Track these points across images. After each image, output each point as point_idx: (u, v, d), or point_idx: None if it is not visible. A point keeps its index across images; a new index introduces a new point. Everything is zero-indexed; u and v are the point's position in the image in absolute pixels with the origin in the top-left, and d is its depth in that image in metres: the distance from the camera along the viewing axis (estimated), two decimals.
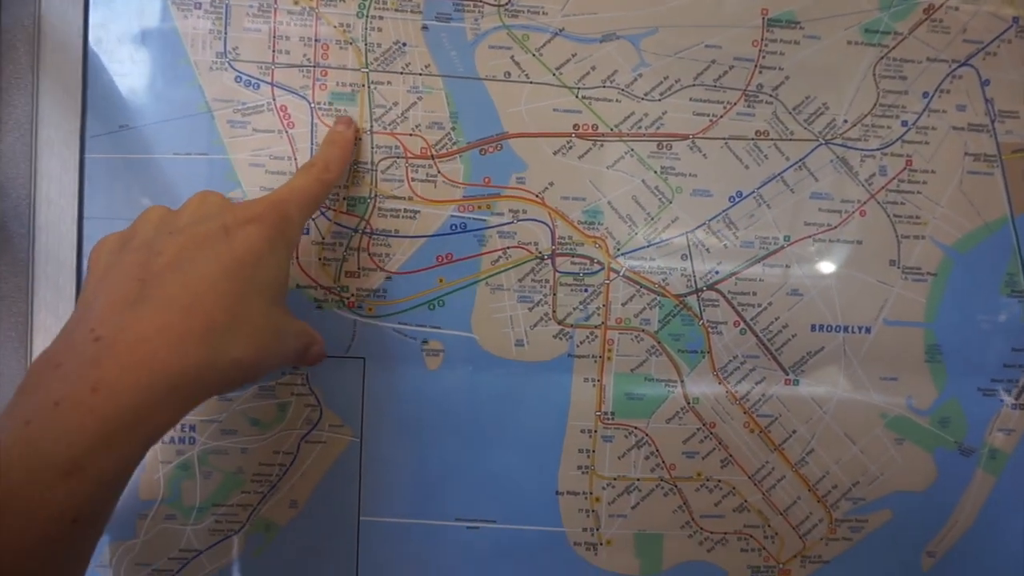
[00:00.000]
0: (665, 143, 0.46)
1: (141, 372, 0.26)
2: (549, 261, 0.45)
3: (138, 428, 0.26)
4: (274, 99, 0.43)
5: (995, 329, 0.50)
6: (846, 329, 0.48)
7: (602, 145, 0.46)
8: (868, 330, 0.48)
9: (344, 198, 0.44)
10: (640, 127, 0.46)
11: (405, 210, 0.44)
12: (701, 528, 0.48)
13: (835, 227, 0.48)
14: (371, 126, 0.44)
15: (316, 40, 0.43)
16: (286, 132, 0.43)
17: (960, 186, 0.49)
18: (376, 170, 0.44)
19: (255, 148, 0.43)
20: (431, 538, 0.46)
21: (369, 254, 0.44)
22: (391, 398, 0.45)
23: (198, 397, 0.28)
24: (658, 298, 0.46)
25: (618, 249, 0.46)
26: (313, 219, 0.43)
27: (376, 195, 0.44)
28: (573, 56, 0.45)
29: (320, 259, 0.44)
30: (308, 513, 0.45)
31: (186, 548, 0.44)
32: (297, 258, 0.43)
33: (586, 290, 0.46)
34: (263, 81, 0.43)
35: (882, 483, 0.49)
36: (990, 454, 0.50)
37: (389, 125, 0.44)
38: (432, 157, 0.44)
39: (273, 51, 0.43)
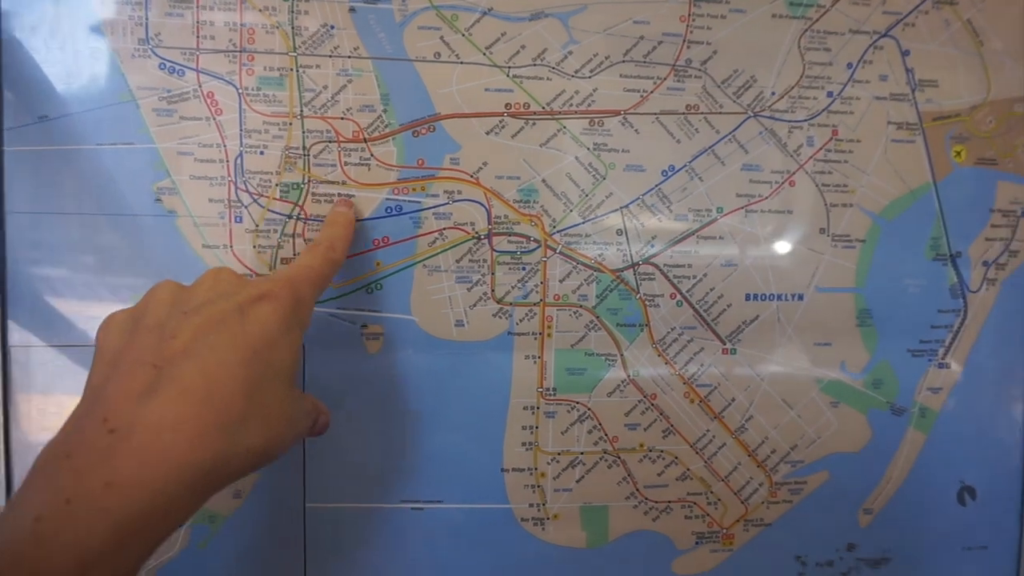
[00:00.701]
0: (597, 120, 0.49)
1: (157, 468, 0.26)
2: (486, 241, 0.48)
3: (152, 527, 0.26)
4: (200, 86, 0.44)
5: (922, 292, 0.54)
6: (780, 297, 0.52)
7: (535, 123, 0.48)
8: (801, 297, 0.52)
9: (276, 184, 0.46)
10: (572, 104, 0.49)
11: (339, 194, 0.47)
12: (646, 498, 0.51)
13: (766, 198, 0.51)
14: (301, 111, 0.46)
15: (241, 24, 0.45)
16: (214, 119, 0.45)
17: (885, 154, 0.53)
18: (308, 155, 0.46)
19: (183, 136, 0.45)
20: (378, 522, 0.48)
21: (305, 240, 0.46)
22: (332, 383, 0.47)
23: (213, 490, 0.28)
24: (595, 274, 0.50)
25: (554, 226, 0.49)
26: (246, 206, 0.46)
27: (309, 180, 0.46)
28: (503, 35, 0.48)
29: (255, 247, 0.46)
30: (253, 502, 0.47)
31: None
32: (231, 246, 0.46)
33: (524, 268, 0.49)
34: (188, 68, 0.44)
35: (819, 446, 0.54)
36: (920, 413, 0.55)
37: (320, 109, 0.46)
38: (364, 140, 0.47)
39: (197, 36, 0.44)
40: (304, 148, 0.45)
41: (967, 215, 0.53)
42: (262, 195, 0.45)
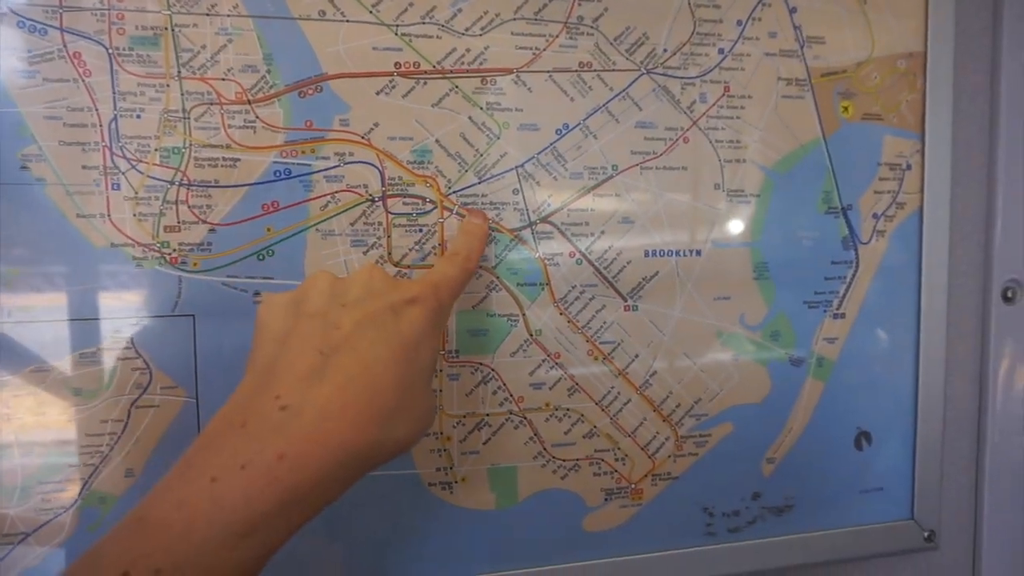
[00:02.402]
0: (489, 78, 0.50)
1: (323, 447, 0.30)
2: (380, 203, 0.49)
3: (311, 500, 0.30)
4: (65, 46, 0.44)
5: (815, 245, 0.58)
6: (678, 253, 0.55)
7: (426, 83, 0.49)
8: (699, 253, 0.55)
9: (156, 149, 0.45)
10: (463, 63, 0.50)
11: (224, 159, 0.46)
12: (553, 457, 0.53)
13: (660, 155, 0.54)
14: (179, 71, 0.45)
15: None
16: (83, 81, 0.44)
17: (776, 110, 0.56)
18: (189, 118, 0.46)
19: (49, 100, 0.44)
20: None
21: (189, 207, 0.46)
22: (226, 354, 0.47)
23: (361, 474, 0.32)
24: (493, 233, 0.51)
25: (449, 187, 0.50)
26: (123, 173, 0.45)
27: (191, 144, 0.46)
28: None
29: (135, 215, 0.45)
30: (146, 481, 0.47)
31: (10, 532, 0.45)
32: (108, 215, 0.45)
33: (421, 230, 0.50)
34: (50, 26, 0.44)
35: (722, 398, 0.56)
36: (817, 362, 0.59)
37: (199, 70, 0.46)
38: (248, 102, 0.47)
39: None
40: (184, 111, 0.45)
41: (856, 169, 0.57)
42: (140, 160, 0.44)
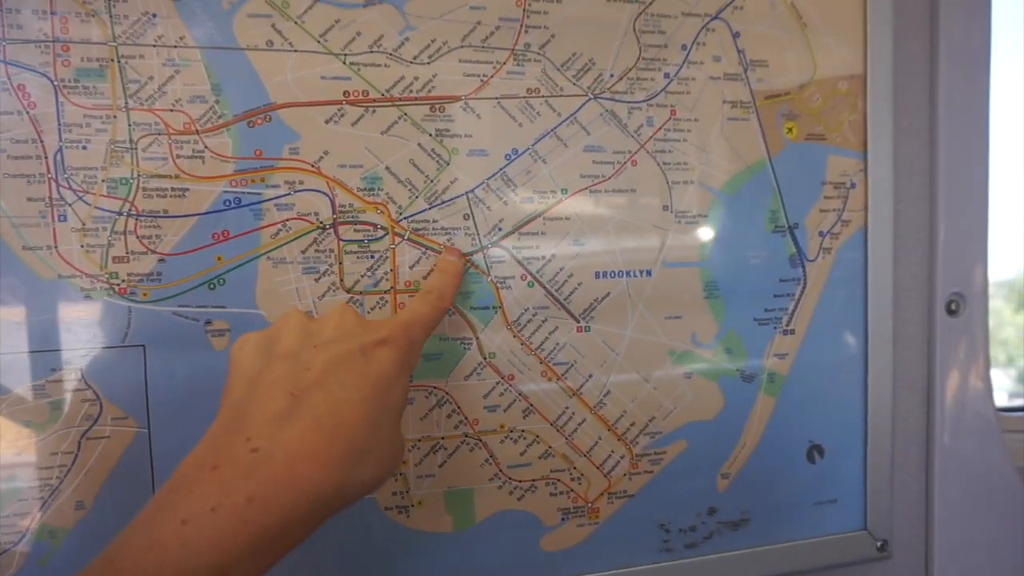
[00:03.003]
0: (438, 105, 0.51)
1: (292, 490, 0.31)
2: (331, 230, 0.50)
3: (281, 542, 0.31)
4: (9, 78, 0.44)
5: (763, 263, 0.59)
6: (628, 274, 0.56)
7: (375, 111, 0.50)
8: (649, 273, 0.56)
9: (103, 180, 0.46)
10: (411, 91, 0.51)
11: (173, 189, 0.47)
12: (510, 478, 0.54)
13: (609, 178, 0.55)
14: (126, 102, 0.46)
15: (52, 12, 0.44)
16: (27, 113, 0.44)
17: (722, 132, 0.58)
18: (136, 149, 0.46)
19: None
20: None
21: (137, 237, 0.46)
22: (177, 384, 0.47)
23: (329, 514, 0.33)
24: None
25: (400, 213, 0.51)
26: (70, 204, 0.45)
27: (139, 175, 0.46)
28: (337, 22, 0.49)
29: (83, 246, 0.45)
30: (97, 513, 0.46)
31: None
32: (55, 246, 0.45)
33: (372, 256, 0.51)
34: None
35: (676, 416, 0.58)
36: (769, 378, 0.60)
37: (146, 101, 0.46)
38: (197, 132, 0.47)
39: (3, 26, 0.44)
40: (131, 141, 0.45)
41: (801, 188, 0.59)
42: (88, 192, 0.45)
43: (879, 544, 0.61)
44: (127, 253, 0.45)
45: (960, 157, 0.64)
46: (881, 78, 0.59)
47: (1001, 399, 0.93)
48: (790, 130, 0.57)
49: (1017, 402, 1.24)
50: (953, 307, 0.64)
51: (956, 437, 0.65)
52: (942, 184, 0.64)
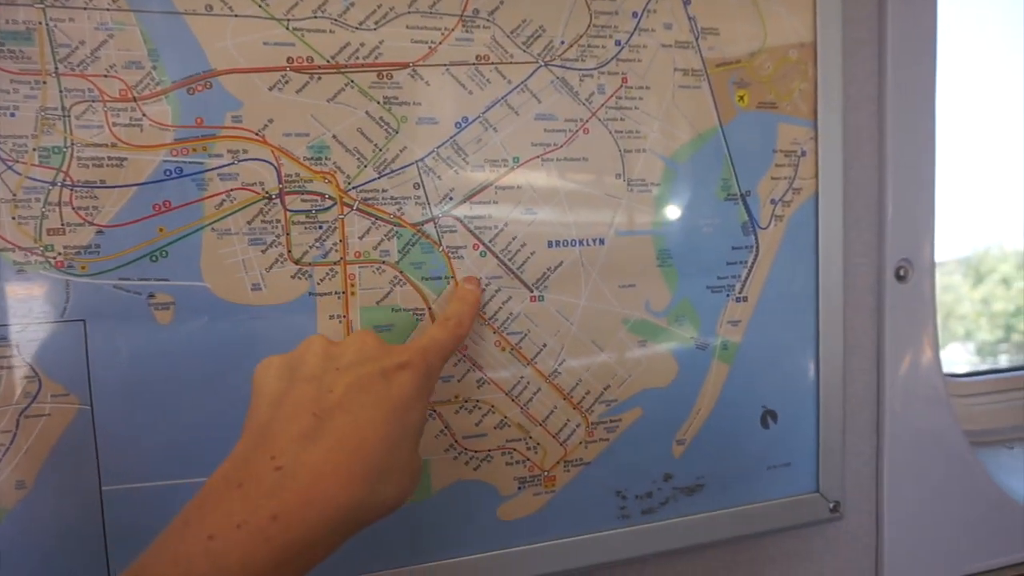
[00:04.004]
0: (385, 72, 0.49)
1: (314, 508, 0.31)
2: (277, 200, 0.48)
3: (304, 559, 0.31)
4: None
5: (716, 231, 0.59)
6: (582, 243, 0.55)
7: (320, 78, 0.48)
8: (602, 242, 0.55)
9: (34, 149, 0.43)
10: (358, 57, 0.49)
11: (109, 158, 0.45)
12: (465, 448, 0.53)
13: (561, 146, 0.54)
14: (56, 68, 0.43)
15: None
16: None
17: (673, 100, 0.57)
18: (69, 116, 0.44)
19: None
20: (188, 497, 0.47)
21: (73, 208, 0.44)
22: (120, 358, 0.45)
23: (350, 533, 0.33)
24: (395, 228, 0.50)
25: (349, 183, 0.49)
26: None
27: (73, 144, 0.44)
28: None
29: (15, 218, 0.43)
30: (39, 492, 0.44)
31: None
32: None
33: (321, 227, 0.49)
34: None
35: (630, 383, 0.57)
36: (722, 345, 0.60)
37: (78, 66, 0.44)
38: (134, 99, 0.45)
39: None
40: (63, 109, 0.43)
41: (753, 156, 0.58)
42: (17, 161, 0.42)
43: (831, 505, 0.61)
44: (63, 225, 0.42)
45: (909, 125, 0.64)
46: (830, 46, 0.59)
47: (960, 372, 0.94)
48: (741, 98, 0.56)
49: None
50: (902, 273, 0.64)
51: (905, 400, 0.65)
52: (891, 152, 0.63)
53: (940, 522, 0.66)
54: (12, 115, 0.41)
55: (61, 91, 0.42)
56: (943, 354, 0.66)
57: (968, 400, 0.88)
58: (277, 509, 0.30)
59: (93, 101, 0.42)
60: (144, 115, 0.43)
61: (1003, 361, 1.22)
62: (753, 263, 0.57)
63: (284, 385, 0.36)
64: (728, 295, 0.57)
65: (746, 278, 0.57)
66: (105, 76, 0.43)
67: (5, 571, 0.43)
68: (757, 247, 0.57)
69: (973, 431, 0.85)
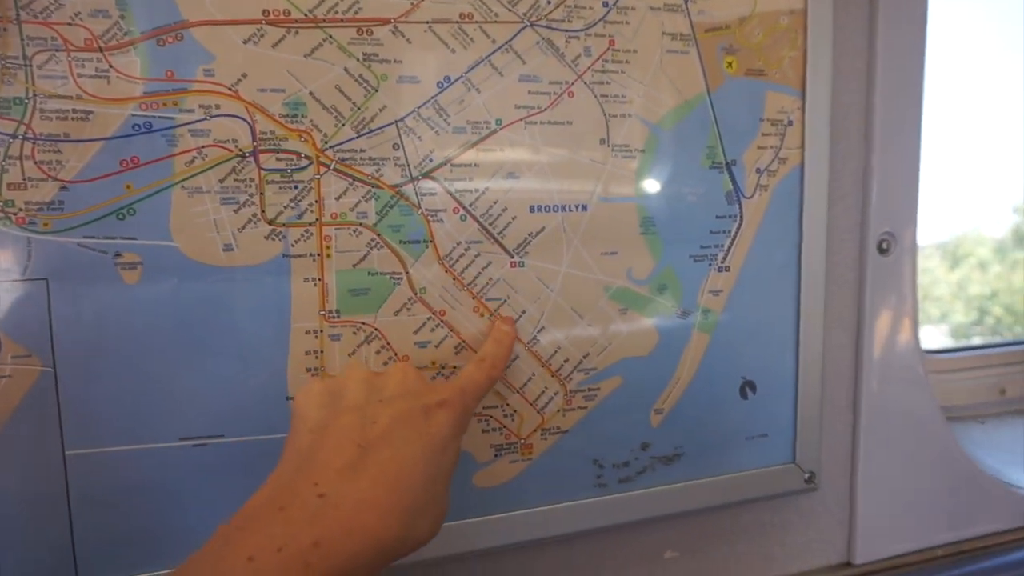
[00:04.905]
0: (365, 28, 0.47)
1: (354, 538, 0.30)
2: (251, 159, 0.45)
3: None
4: None
5: (700, 199, 0.56)
6: (564, 208, 0.53)
7: (297, 32, 0.45)
8: (585, 208, 0.53)
9: None
10: (337, 12, 0.46)
11: (74, 111, 0.42)
12: None
13: (545, 109, 0.51)
14: (17, 15, 0.40)
15: None
16: None
17: (660, 65, 0.54)
18: (31, 66, 0.41)
19: None
20: (154, 462, 0.45)
21: (36, 162, 0.41)
22: (85, 319, 0.43)
23: (382, 567, 0.32)
24: (373, 190, 0.48)
25: (326, 142, 0.47)
26: None
27: (35, 95, 0.41)
28: None
29: None
30: (1, 455, 0.43)
31: None
32: None
33: (296, 187, 0.46)
34: None
35: (610, 352, 0.55)
36: (703, 315, 0.58)
37: (40, 13, 0.40)
38: (100, 50, 0.42)
39: None
40: (25, 57, 0.40)
41: (740, 124, 0.56)
42: None
43: (807, 476, 0.60)
44: (24, 180, 0.40)
45: (896, 98, 0.62)
46: (821, 15, 0.57)
47: None
48: (730, 64, 0.54)
49: None
50: (884, 246, 0.62)
51: (883, 374, 0.64)
52: (878, 124, 0.61)
53: (913, 495, 0.66)
54: None
55: (23, 39, 0.39)
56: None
57: (943, 376, 0.87)
58: (319, 536, 0.30)
59: (56, 51, 0.40)
60: (111, 66, 0.41)
61: (976, 342, 1.22)
62: (736, 233, 0.56)
63: (326, 412, 0.36)
64: (710, 264, 0.55)
65: (729, 248, 0.56)
66: (70, 24, 0.40)
67: None
68: (741, 217, 0.56)
69: (947, 406, 0.84)
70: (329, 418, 0.36)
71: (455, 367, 0.49)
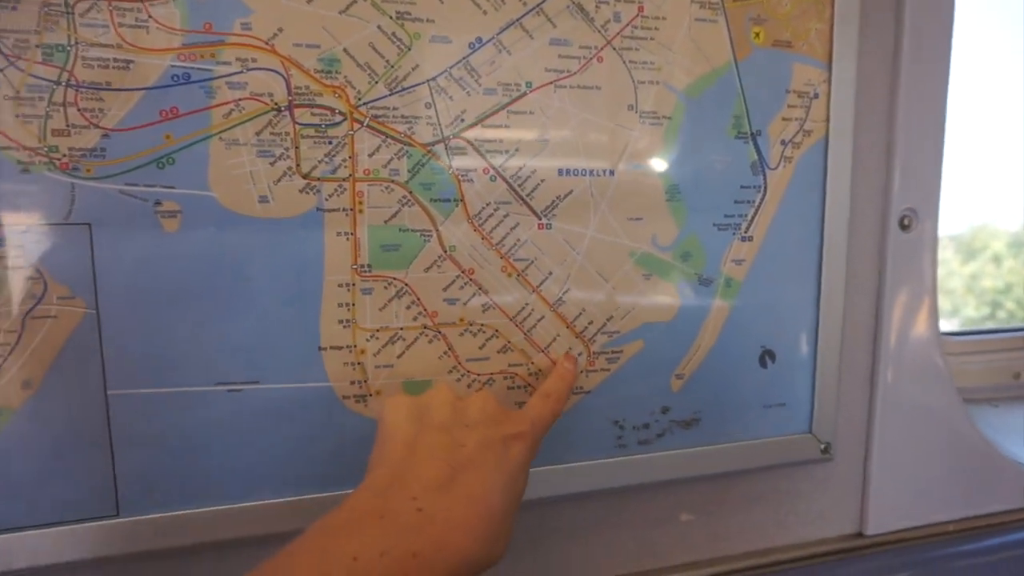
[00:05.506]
0: None
1: (447, 553, 0.32)
2: (287, 113, 0.45)
3: None
4: None
5: (725, 168, 0.55)
6: (591, 173, 0.52)
7: None
8: (612, 173, 0.52)
9: (37, 46, 0.40)
10: None
11: (115, 60, 0.41)
12: (468, 371, 0.51)
13: (574, 73, 0.50)
14: None
15: None
16: None
17: (689, 32, 0.53)
18: (73, 14, 0.41)
19: None
20: (192, 406, 0.45)
21: (78, 109, 0.41)
22: (126, 264, 0.43)
23: None
24: (405, 148, 0.47)
25: (359, 99, 0.46)
26: (1, 70, 0.40)
27: (77, 43, 0.41)
28: None
29: (18, 116, 0.40)
30: (46, 393, 0.42)
31: None
32: None
33: (330, 142, 0.46)
34: None
35: (633, 316, 0.54)
36: (726, 283, 0.57)
37: None
38: (140, 0, 0.42)
39: None
40: (67, 5, 0.39)
41: (766, 95, 0.55)
42: (20, 57, 0.39)
43: (822, 446, 0.59)
44: (67, 126, 0.40)
45: (923, 74, 0.60)
46: None
47: None
48: (757, 35, 0.53)
49: None
50: (906, 222, 0.61)
51: (901, 349, 0.62)
52: (902, 102, 0.60)
53: (926, 469, 0.65)
54: (14, 8, 0.38)
55: None
56: None
57: (957, 359, 0.85)
58: (418, 547, 0.31)
59: None
60: (151, 16, 0.40)
61: None
62: (760, 203, 0.55)
63: (416, 428, 0.38)
64: (734, 233, 0.54)
65: (752, 217, 0.54)
66: None
67: (12, 470, 0.41)
68: (765, 187, 0.55)
69: (961, 388, 0.82)
70: (419, 434, 0.37)
71: (482, 324, 0.48)
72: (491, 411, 0.40)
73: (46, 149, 0.39)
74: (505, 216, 0.48)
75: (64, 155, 0.40)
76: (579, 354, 0.51)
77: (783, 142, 0.55)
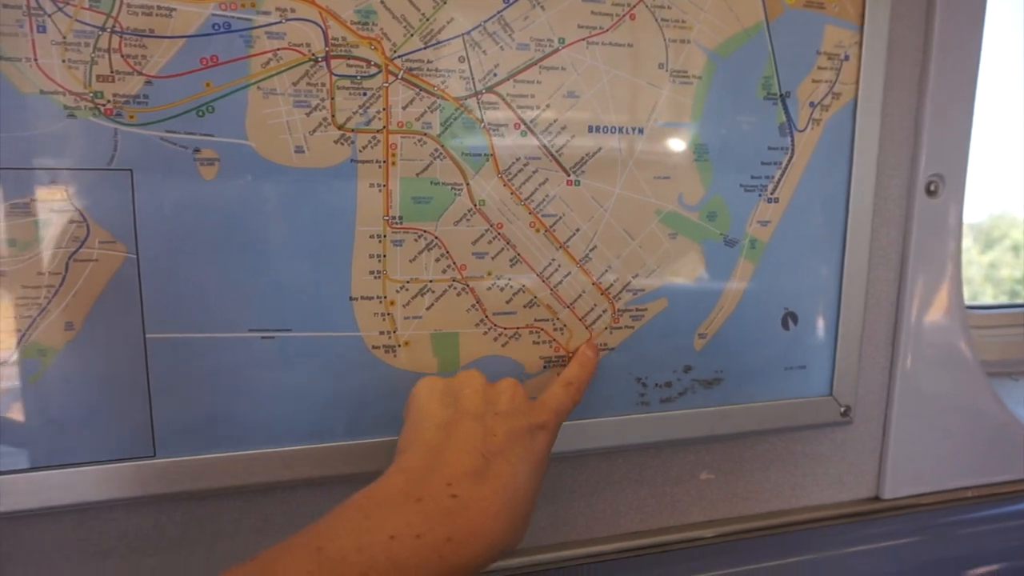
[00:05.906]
0: None
1: (479, 540, 0.32)
2: (324, 64, 0.45)
3: None
4: None
5: (753, 129, 0.55)
6: (621, 130, 0.51)
7: None
8: (641, 131, 0.52)
9: None
10: None
11: (159, 7, 0.41)
12: (495, 325, 0.51)
13: (607, 30, 0.50)
14: None
15: None
16: None
17: None
18: None
19: None
20: (225, 351, 0.46)
21: (122, 56, 0.41)
22: (166, 211, 0.43)
23: (487, 568, 0.33)
24: (438, 101, 0.47)
25: (395, 51, 0.46)
26: (49, 15, 0.40)
27: None
28: None
29: (64, 61, 0.40)
30: (87, 335, 0.43)
31: None
32: (35, 59, 0.40)
33: (365, 94, 0.46)
34: None
35: (658, 274, 0.54)
36: (750, 244, 0.56)
37: None
38: None
39: None
40: None
41: (796, 56, 0.54)
42: (68, 3, 0.39)
43: (842, 410, 0.59)
44: (112, 72, 0.40)
45: (955, 42, 0.59)
46: None
47: None
48: None
49: None
50: (932, 188, 0.60)
51: (923, 316, 0.62)
52: (933, 68, 0.59)
53: (945, 436, 0.64)
54: None
55: None
56: None
57: (978, 332, 0.84)
58: (452, 532, 0.32)
59: None
60: None
61: None
62: (787, 165, 0.54)
63: (450, 413, 0.38)
64: (760, 195, 0.54)
65: (779, 179, 0.54)
66: None
67: (54, 410, 0.42)
68: (792, 149, 0.54)
69: (983, 362, 0.81)
70: (453, 419, 0.38)
71: (510, 278, 0.48)
72: (519, 401, 0.41)
73: (91, 95, 0.40)
74: (534, 172, 0.48)
75: (108, 101, 0.40)
76: (604, 311, 0.51)
77: (812, 104, 0.54)
